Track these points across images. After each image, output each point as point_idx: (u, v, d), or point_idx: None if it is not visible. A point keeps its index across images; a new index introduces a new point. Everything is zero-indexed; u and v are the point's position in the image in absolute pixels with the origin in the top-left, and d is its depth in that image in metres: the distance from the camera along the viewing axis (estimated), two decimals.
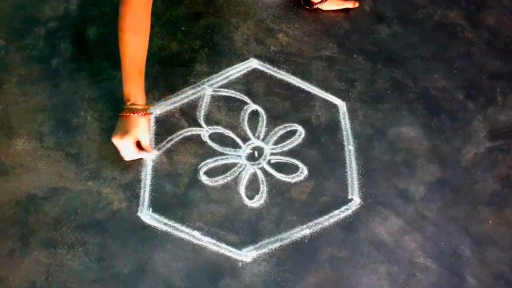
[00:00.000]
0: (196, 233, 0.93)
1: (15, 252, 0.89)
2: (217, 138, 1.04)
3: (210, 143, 1.03)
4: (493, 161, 1.08)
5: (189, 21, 1.16)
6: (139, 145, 0.95)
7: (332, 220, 0.97)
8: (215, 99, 1.08)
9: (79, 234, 0.91)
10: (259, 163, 1.02)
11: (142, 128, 0.92)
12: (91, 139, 1.00)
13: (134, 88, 0.91)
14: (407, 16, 1.26)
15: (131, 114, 0.90)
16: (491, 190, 1.05)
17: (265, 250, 0.93)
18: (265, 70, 1.13)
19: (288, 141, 1.05)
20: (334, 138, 1.07)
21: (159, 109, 1.05)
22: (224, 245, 0.93)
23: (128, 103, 0.91)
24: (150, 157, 0.98)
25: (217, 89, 1.09)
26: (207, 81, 1.10)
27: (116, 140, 0.91)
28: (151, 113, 0.99)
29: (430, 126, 1.11)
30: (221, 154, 1.02)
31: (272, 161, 1.03)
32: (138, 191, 0.96)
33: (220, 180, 0.99)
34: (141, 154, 0.96)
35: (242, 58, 1.13)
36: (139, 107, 0.91)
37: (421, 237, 0.98)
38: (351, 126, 1.09)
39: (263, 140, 1.05)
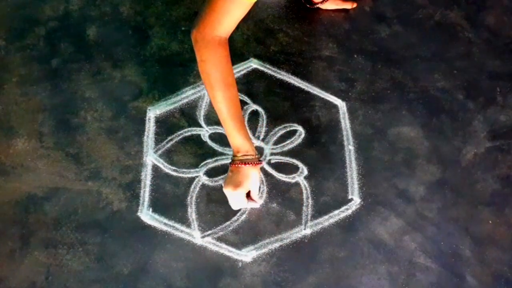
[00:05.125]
0: (196, 233, 0.93)
1: (15, 252, 0.89)
2: (217, 138, 1.04)
3: (210, 143, 1.03)
4: (493, 161, 1.08)
5: (189, 21, 1.16)
6: (248, 194, 0.91)
7: (332, 220, 0.97)
8: None
9: (79, 234, 0.91)
10: None
11: (254, 179, 0.88)
12: (91, 139, 1.00)
13: (242, 139, 0.87)
14: (407, 16, 1.26)
15: (243, 165, 0.86)
16: (491, 190, 1.04)
17: (265, 250, 0.93)
18: (265, 70, 1.13)
19: (288, 141, 1.05)
20: (334, 138, 1.07)
21: (159, 109, 1.05)
22: (224, 245, 0.93)
23: (239, 154, 0.87)
24: (256, 206, 0.94)
25: None
26: None
27: (228, 191, 0.87)
28: (261, 162, 0.92)
29: (430, 126, 1.11)
30: (221, 154, 1.02)
31: (272, 161, 1.03)
32: (138, 191, 0.96)
33: (220, 180, 0.99)
34: (249, 204, 0.92)
35: (242, 58, 1.13)
36: (250, 157, 0.87)
37: (421, 237, 0.98)
38: (351, 126, 1.09)
39: (263, 140, 1.05)
